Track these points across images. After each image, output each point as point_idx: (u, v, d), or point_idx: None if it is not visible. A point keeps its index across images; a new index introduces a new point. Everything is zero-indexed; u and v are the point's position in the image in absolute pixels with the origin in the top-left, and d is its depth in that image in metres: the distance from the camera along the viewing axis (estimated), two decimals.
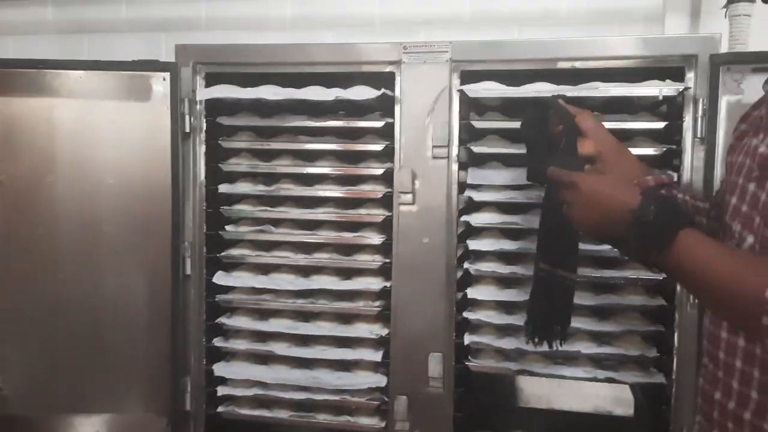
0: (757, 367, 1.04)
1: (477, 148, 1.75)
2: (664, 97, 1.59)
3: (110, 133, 1.84)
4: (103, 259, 1.86)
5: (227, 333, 1.95)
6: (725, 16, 1.78)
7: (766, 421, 1.03)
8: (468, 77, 1.71)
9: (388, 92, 1.74)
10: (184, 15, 2.45)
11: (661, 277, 1.64)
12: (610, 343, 1.71)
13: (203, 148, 1.88)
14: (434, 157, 1.73)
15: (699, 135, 1.58)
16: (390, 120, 1.76)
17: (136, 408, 1.89)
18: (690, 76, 1.59)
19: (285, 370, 1.88)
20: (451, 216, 1.73)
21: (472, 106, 1.80)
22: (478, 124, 1.74)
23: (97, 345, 1.88)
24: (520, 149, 1.72)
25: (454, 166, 1.73)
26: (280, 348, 1.87)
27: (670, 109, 1.71)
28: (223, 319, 1.91)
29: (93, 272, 1.87)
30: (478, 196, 1.74)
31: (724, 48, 1.67)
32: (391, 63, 1.75)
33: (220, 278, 1.89)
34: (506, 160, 1.79)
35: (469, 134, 1.77)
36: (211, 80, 1.86)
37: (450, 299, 1.74)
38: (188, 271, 1.88)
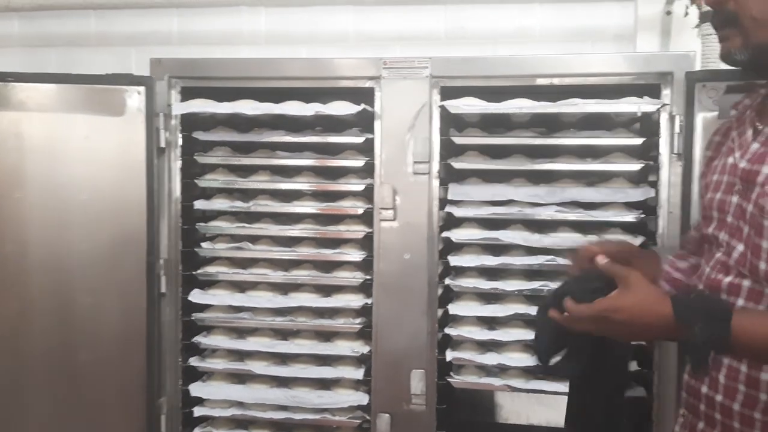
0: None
1: (457, 164, 1.75)
2: (642, 113, 1.62)
3: (82, 148, 1.79)
4: (75, 278, 1.81)
5: (204, 352, 1.91)
6: (697, 35, 1.83)
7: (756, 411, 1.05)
8: (448, 93, 1.71)
9: (368, 108, 1.74)
10: (155, 29, 2.42)
11: None
12: None
13: (179, 164, 1.84)
14: (415, 173, 1.73)
15: (676, 151, 1.60)
16: (370, 136, 1.76)
17: (110, 431, 1.83)
18: (666, 92, 1.62)
19: (264, 389, 1.85)
20: (432, 232, 1.73)
21: (451, 122, 1.80)
22: (459, 140, 1.75)
23: (68, 366, 1.82)
24: (500, 165, 1.74)
25: (435, 182, 1.73)
26: (259, 367, 1.84)
27: (646, 126, 1.74)
28: (199, 338, 1.87)
29: (63, 291, 1.82)
30: (458, 212, 1.74)
31: (697, 66, 1.71)
32: (370, 78, 1.74)
33: (196, 296, 1.85)
34: (486, 176, 1.80)
35: (449, 150, 1.77)
36: (187, 95, 1.84)
37: (431, 315, 1.73)
38: (163, 289, 1.83)
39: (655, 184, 1.65)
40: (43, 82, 1.80)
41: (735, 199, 1.13)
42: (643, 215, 1.67)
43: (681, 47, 2.02)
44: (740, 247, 1.10)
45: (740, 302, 1.09)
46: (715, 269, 1.15)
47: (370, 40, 2.33)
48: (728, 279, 1.12)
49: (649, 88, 1.65)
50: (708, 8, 1.78)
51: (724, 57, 1.11)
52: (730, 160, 1.17)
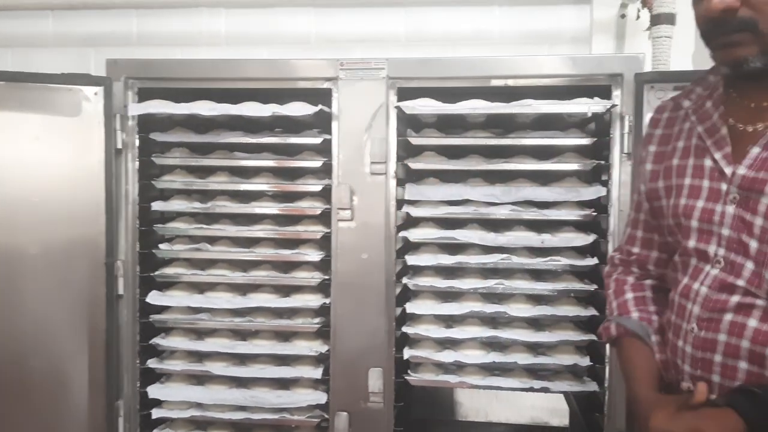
0: None
1: (414, 164, 1.77)
2: (592, 113, 1.65)
3: (34, 149, 1.77)
4: (26, 281, 1.78)
5: (162, 354, 1.90)
6: (648, 37, 1.87)
7: None
8: (405, 94, 1.73)
9: (326, 108, 1.75)
10: (114, 30, 2.40)
11: (592, 288, 1.69)
12: (545, 354, 1.75)
13: (136, 165, 1.84)
14: (372, 174, 1.74)
15: (625, 150, 1.64)
16: (328, 136, 1.77)
17: None
18: (617, 93, 1.66)
19: (222, 390, 1.85)
20: (389, 232, 1.74)
21: (408, 123, 1.82)
22: (415, 140, 1.77)
23: (21, 371, 1.79)
24: (457, 165, 1.77)
25: (392, 182, 1.74)
26: (218, 368, 1.84)
27: (599, 126, 1.78)
28: (157, 340, 1.86)
29: (13, 295, 1.78)
30: (415, 212, 1.76)
31: (647, 67, 1.75)
32: (328, 79, 1.75)
33: (154, 298, 1.84)
34: (443, 176, 1.82)
35: (406, 150, 1.79)
36: (144, 95, 1.83)
37: (389, 314, 1.74)
38: (120, 291, 1.82)
39: (606, 183, 1.69)
40: None
41: (731, 209, 1.06)
42: (595, 213, 1.71)
43: (635, 49, 2.06)
44: (749, 265, 1.03)
45: (754, 323, 1.02)
46: (714, 288, 1.06)
47: (330, 42, 2.34)
48: (735, 299, 1.04)
49: (601, 90, 1.69)
50: (659, 11, 1.84)
51: (735, 64, 1.04)
52: (708, 162, 1.10)
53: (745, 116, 1.10)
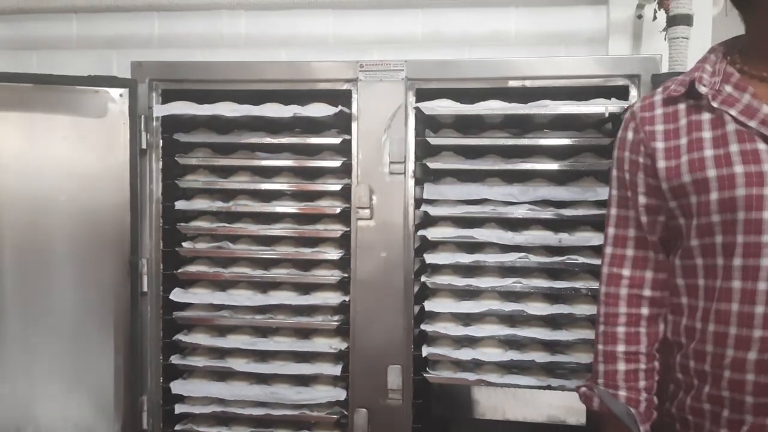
0: None
1: (432, 164, 1.79)
2: (609, 114, 1.66)
3: (62, 149, 1.81)
4: (54, 278, 1.82)
5: (184, 350, 1.94)
6: (665, 38, 1.88)
7: None
8: (423, 95, 1.76)
9: (345, 109, 1.77)
10: (136, 32, 2.43)
11: None
12: (562, 352, 1.76)
13: (160, 165, 1.87)
14: (391, 173, 1.76)
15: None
16: (347, 137, 1.79)
17: (93, 429, 1.85)
18: (634, 94, 1.67)
19: (243, 386, 1.88)
20: (408, 230, 1.77)
21: (427, 123, 1.84)
22: (434, 140, 1.79)
23: (49, 367, 1.84)
24: (475, 165, 1.79)
25: (411, 182, 1.76)
26: (239, 364, 1.87)
27: (616, 126, 1.78)
28: (180, 336, 1.90)
29: (42, 291, 1.83)
30: (434, 211, 1.78)
31: (664, 68, 1.77)
32: (347, 81, 1.78)
33: (177, 295, 1.88)
34: (461, 176, 1.84)
35: (424, 150, 1.82)
36: (167, 97, 1.87)
37: (408, 312, 1.77)
38: (144, 288, 1.86)
39: None
40: (22, 82, 1.81)
41: None
42: None
43: (651, 50, 2.07)
44: None
45: None
46: None
47: (349, 43, 2.36)
48: None
49: (618, 90, 1.71)
50: (675, 12, 1.85)
51: None
52: (762, 146, 1.04)
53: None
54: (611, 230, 1.25)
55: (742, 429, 1.05)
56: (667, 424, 1.21)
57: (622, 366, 1.21)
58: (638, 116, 1.21)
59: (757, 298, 1.02)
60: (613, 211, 1.25)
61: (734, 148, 1.06)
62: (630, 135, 1.22)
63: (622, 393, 1.20)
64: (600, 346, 1.24)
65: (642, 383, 1.20)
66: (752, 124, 1.06)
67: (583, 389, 1.27)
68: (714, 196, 1.06)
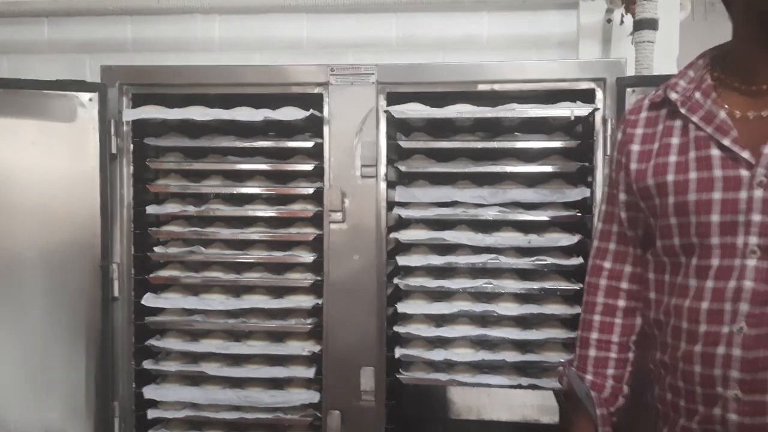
0: None
1: (404, 167, 1.81)
2: (576, 117, 1.69)
3: (31, 154, 1.79)
4: (22, 285, 1.80)
5: (157, 355, 1.93)
6: (632, 42, 1.91)
7: None
8: (394, 99, 1.77)
9: (317, 113, 1.78)
10: (109, 36, 2.42)
11: (578, 287, 1.73)
12: (533, 351, 1.78)
13: (131, 169, 1.87)
14: (363, 176, 1.77)
15: (608, 152, 1.68)
16: (319, 140, 1.80)
17: None
18: (600, 97, 1.70)
19: (217, 390, 1.88)
20: (380, 233, 1.78)
21: (398, 127, 1.86)
22: (405, 143, 1.80)
23: (19, 373, 1.82)
24: (446, 168, 1.80)
25: (383, 185, 1.78)
26: (212, 368, 1.87)
27: (585, 129, 1.81)
28: (152, 341, 1.89)
29: (10, 298, 1.80)
30: (406, 214, 1.80)
31: (630, 72, 1.80)
32: (319, 84, 1.79)
33: (149, 300, 1.87)
34: (433, 179, 1.86)
35: (396, 153, 1.83)
36: (138, 101, 1.86)
37: (381, 314, 1.78)
38: (116, 293, 1.85)
39: (591, 185, 1.73)
40: None
41: (759, 193, 1.02)
42: (580, 214, 1.75)
43: (621, 54, 2.09)
44: None
45: None
46: (761, 280, 1.02)
47: (323, 47, 2.37)
48: None
49: (585, 94, 1.73)
50: (641, 17, 1.88)
51: None
52: (715, 152, 1.07)
53: (742, 102, 1.09)
54: (599, 225, 1.32)
55: (694, 418, 1.09)
56: (647, 414, 1.26)
57: (593, 352, 1.28)
58: (626, 118, 1.26)
59: (704, 295, 1.07)
60: (603, 207, 1.32)
61: (692, 154, 1.10)
62: (619, 135, 1.27)
63: (589, 377, 1.27)
64: (579, 332, 1.33)
65: (611, 371, 1.27)
66: (708, 130, 1.09)
67: (560, 368, 1.36)
68: (671, 200, 1.11)
